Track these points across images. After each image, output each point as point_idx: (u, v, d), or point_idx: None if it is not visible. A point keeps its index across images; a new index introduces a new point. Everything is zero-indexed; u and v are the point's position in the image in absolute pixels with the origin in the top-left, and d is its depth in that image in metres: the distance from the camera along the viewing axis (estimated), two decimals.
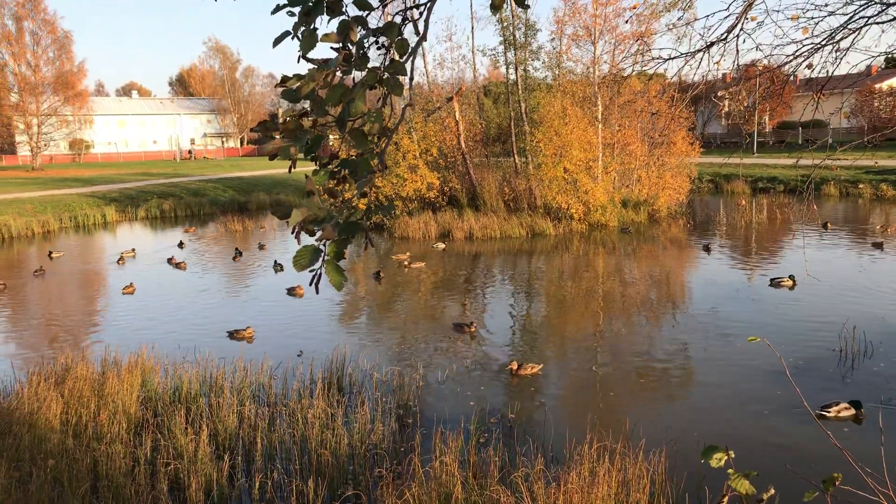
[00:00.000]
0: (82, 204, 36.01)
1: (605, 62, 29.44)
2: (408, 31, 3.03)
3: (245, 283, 19.12)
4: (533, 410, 9.53)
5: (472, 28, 44.73)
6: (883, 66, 61.96)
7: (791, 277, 16.13)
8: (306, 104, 2.71)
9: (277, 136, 2.62)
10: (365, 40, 2.71)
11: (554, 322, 14.36)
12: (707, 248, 21.43)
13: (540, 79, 32.93)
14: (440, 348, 12.49)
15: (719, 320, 13.63)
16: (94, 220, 34.21)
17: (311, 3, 2.66)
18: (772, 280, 16.33)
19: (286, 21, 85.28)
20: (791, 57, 6.36)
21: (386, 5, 3.10)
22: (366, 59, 2.71)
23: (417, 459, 7.08)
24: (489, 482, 6.66)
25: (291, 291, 16.86)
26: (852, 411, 8.92)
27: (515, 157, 30.94)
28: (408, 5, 2.93)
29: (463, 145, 29.42)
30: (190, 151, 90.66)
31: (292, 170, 2.88)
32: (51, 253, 23.64)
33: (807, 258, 18.72)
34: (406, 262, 20.10)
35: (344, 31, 2.58)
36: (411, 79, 2.93)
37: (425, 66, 32.24)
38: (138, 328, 14.38)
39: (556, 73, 32.04)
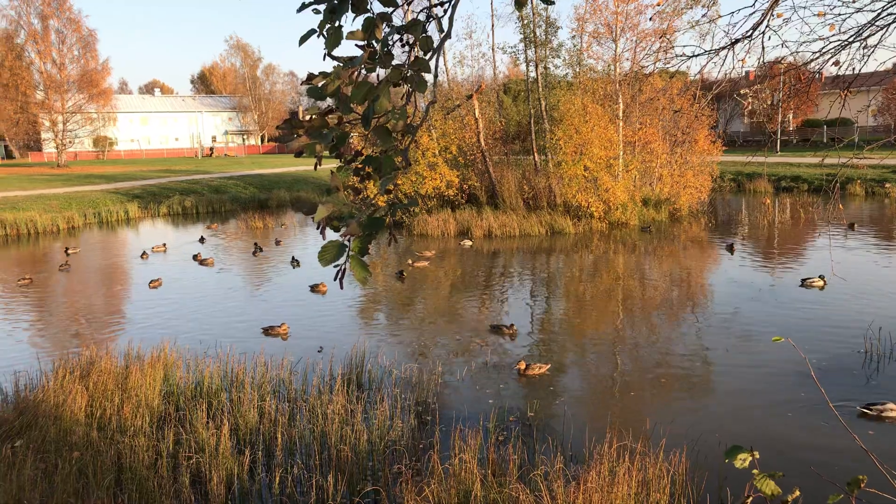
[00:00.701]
0: (106, 200, 36.49)
1: (626, 59, 29.26)
2: (431, 29, 3.04)
3: (266, 280, 19.26)
4: (552, 409, 9.51)
5: (493, 26, 44.68)
6: None
7: (821, 277, 15.90)
8: (329, 102, 2.73)
9: (302, 134, 2.64)
10: (389, 38, 2.72)
11: (573, 321, 14.30)
12: (731, 248, 21.16)
13: (560, 76, 32.80)
14: (458, 346, 12.50)
15: (741, 320, 13.50)
16: (118, 216, 34.64)
17: (336, 1, 2.68)
18: (802, 280, 16.07)
19: (307, 19, 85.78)
20: (817, 54, 6.27)
21: (410, 2, 3.11)
22: (390, 56, 2.72)
23: (436, 456, 7.09)
24: (508, 480, 6.66)
25: (314, 288, 16.95)
26: None
27: (535, 154, 30.84)
28: (432, 3, 2.94)
29: (482, 143, 29.38)
30: (211, 149, 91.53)
31: (318, 167, 2.89)
32: (67, 249, 23.98)
33: (833, 259, 18.47)
34: (410, 262, 20.07)
35: (369, 28, 2.59)
36: (436, 76, 2.93)
37: (445, 64, 32.24)
38: (160, 323, 14.54)
39: (577, 70, 31.89)
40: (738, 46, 5.78)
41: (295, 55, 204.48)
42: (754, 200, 35.73)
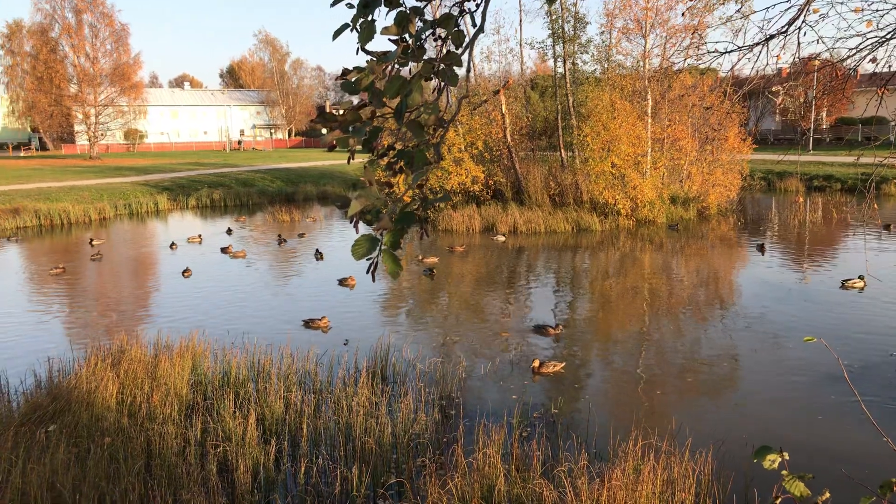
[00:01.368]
0: (136, 192, 37.08)
1: (655, 56, 28.94)
2: (462, 23, 3.04)
3: (294, 272, 19.44)
4: (576, 406, 9.48)
5: (521, 21, 44.48)
6: None
7: (861, 278, 15.59)
8: (354, 97, 2.76)
9: (336, 128, 2.66)
10: (422, 32, 2.73)
11: (599, 319, 14.23)
12: (761, 249, 20.78)
13: (588, 72, 32.55)
14: (482, 342, 12.51)
15: (770, 321, 13.32)
16: (147, 207, 35.19)
17: None
18: (843, 282, 15.74)
19: (336, 14, 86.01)
20: (854, 50, 6.16)
21: None
22: (422, 50, 2.73)
23: (460, 451, 7.12)
24: (532, 476, 6.66)
25: (343, 282, 17.06)
26: None
27: (562, 151, 30.68)
28: None
29: (509, 139, 29.30)
30: (239, 142, 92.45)
31: (351, 161, 2.92)
32: (92, 240, 24.41)
33: (867, 260, 18.11)
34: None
35: (403, 22, 2.61)
36: (468, 70, 2.95)
37: (472, 59, 32.20)
38: (189, 313, 14.76)
39: (605, 66, 31.62)
40: (772, 42, 5.70)
41: (323, 50, 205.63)
42: (785, 199, 35.17)
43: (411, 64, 2.77)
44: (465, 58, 2.86)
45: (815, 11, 5.50)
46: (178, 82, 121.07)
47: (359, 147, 2.72)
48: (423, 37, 2.75)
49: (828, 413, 9.03)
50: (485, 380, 10.47)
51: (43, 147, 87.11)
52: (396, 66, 2.70)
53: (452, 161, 28.57)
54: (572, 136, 29.75)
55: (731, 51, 5.83)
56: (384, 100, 2.67)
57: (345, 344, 12.21)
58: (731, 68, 7.12)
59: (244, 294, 16.64)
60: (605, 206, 25.92)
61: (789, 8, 5.33)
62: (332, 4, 2.83)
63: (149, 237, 27.87)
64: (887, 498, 2.89)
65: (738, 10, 6.84)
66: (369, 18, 2.69)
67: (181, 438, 7.88)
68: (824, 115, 60.50)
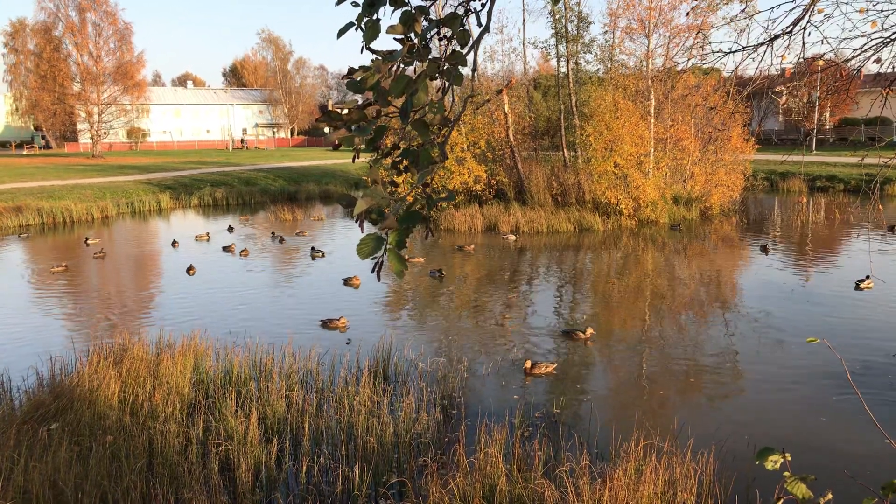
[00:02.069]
0: (138, 190, 37.12)
1: (659, 56, 28.92)
2: (468, 23, 3.03)
3: (296, 271, 19.44)
4: (578, 406, 9.48)
5: (524, 20, 44.47)
6: None
7: (868, 277, 15.51)
8: (357, 96, 2.76)
9: (341, 126, 2.66)
10: (427, 31, 2.73)
11: (600, 319, 14.22)
12: (765, 249, 20.65)
13: (591, 72, 32.53)
14: (484, 342, 12.51)
15: (773, 321, 13.29)
16: (150, 206, 35.21)
17: None
18: (857, 283, 15.59)
19: (339, 13, 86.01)
20: (858, 51, 6.14)
21: None
22: (427, 49, 2.73)
23: (462, 450, 7.12)
24: (534, 476, 6.66)
25: (347, 282, 17.05)
26: None
27: (564, 150, 30.66)
28: None
29: (511, 138, 29.28)
30: (242, 141, 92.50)
31: (355, 160, 2.92)
32: (87, 239, 24.40)
33: (871, 261, 18.07)
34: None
35: (409, 22, 2.61)
36: (474, 70, 2.94)
37: (477, 59, 32.18)
38: (191, 311, 14.77)
39: (608, 66, 31.61)
40: (777, 42, 5.69)
41: (325, 49, 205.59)
42: (788, 200, 35.11)
43: (415, 63, 2.77)
44: (470, 57, 2.86)
45: (819, 11, 5.49)
46: (181, 81, 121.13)
47: (363, 146, 2.71)
48: (429, 36, 2.75)
49: (830, 414, 9.02)
50: (486, 379, 10.47)
51: (46, 145, 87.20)
52: (402, 65, 2.69)
53: (455, 160, 28.56)
54: (575, 136, 29.75)
55: (736, 51, 5.82)
56: (389, 99, 2.67)
57: (347, 343, 12.21)
58: (735, 68, 7.10)
59: (246, 293, 16.65)
60: (608, 206, 25.90)
61: (794, 8, 5.32)
62: (338, 3, 2.82)
63: (151, 236, 27.90)
64: (889, 499, 2.89)
65: (742, 11, 6.84)
66: (374, 17, 2.69)
67: (183, 437, 7.89)
68: (828, 115, 60.40)
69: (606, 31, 31.78)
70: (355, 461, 7.47)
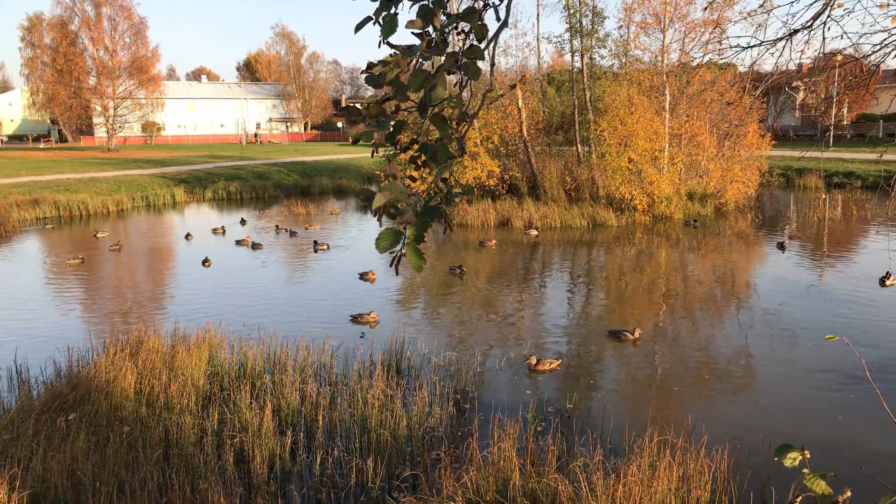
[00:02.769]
0: (153, 184, 37.38)
1: (674, 51, 28.71)
2: (486, 17, 3.03)
3: (311, 265, 19.51)
4: (591, 402, 9.47)
5: (538, 15, 44.28)
6: None
7: (888, 275, 15.34)
8: (368, 91, 2.76)
9: (360, 121, 2.67)
10: (446, 26, 2.73)
11: (614, 314, 14.17)
12: (781, 247, 20.32)
13: (606, 67, 32.35)
14: (497, 337, 12.51)
15: (788, 318, 13.20)
16: (164, 199, 35.46)
17: None
18: (881, 280, 15.42)
19: (354, 7, 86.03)
20: (878, 46, 6.07)
21: None
22: (445, 44, 2.73)
23: (475, 444, 7.12)
24: (547, 470, 6.66)
25: (363, 276, 17.08)
26: None
27: (578, 145, 30.54)
28: None
29: (525, 133, 29.19)
30: (256, 135, 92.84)
31: (374, 154, 2.93)
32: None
33: (890, 257, 17.88)
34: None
35: (427, 16, 2.61)
36: (492, 64, 2.94)
37: (495, 54, 32.08)
38: (205, 304, 14.88)
39: (623, 61, 31.42)
40: (796, 37, 5.63)
41: (339, 44, 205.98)
42: (804, 196, 34.79)
43: (432, 58, 2.77)
44: (487, 52, 2.86)
45: (839, 6, 5.43)
46: (196, 75, 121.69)
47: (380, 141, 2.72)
48: (447, 30, 2.75)
49: (848, 412, 8.95)
50: (499, 374, 10.48)
51: (62, 139, 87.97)
52: (420, 59, 2.70)
53: (468, 156, 28.52)
54: (589, 131, 29.61)
55: (754, 45, 5.77)
56: (407, 93, 2.68)
57: (361, 337, 12.26)
58: (753, 64, 7.04)
59: (261, 286, 16.74)
60: (622, 201, 25.78)
61: (814, 2, 5.27)
62: None
63: (166, 229, 28.11)
64: None
65: (760, 5, 6.77)
66: (392, 12, 2.70)
67: (198, 428, 7.96)
68: (845, 111, 59.73)
69: (621, 26, 31.59)
70: (369, 454, 7.51)
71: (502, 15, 2.90)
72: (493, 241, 21.64)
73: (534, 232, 23.60)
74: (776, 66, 6.81)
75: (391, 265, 2.39)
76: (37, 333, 12.99)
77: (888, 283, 15.26)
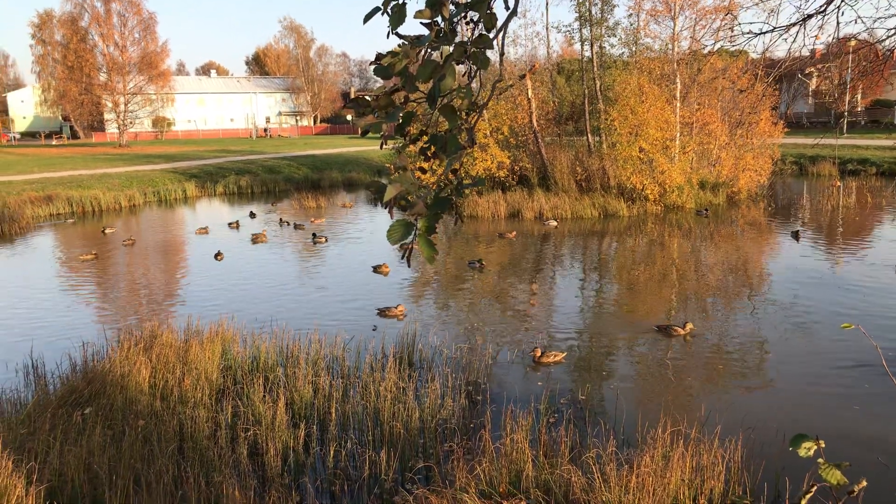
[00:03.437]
0: (164, 179, 37.56)
1: (685, 38, 28.45)
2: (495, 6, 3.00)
3: (324, 258, 19.55)
4: (603, 393, 9.44)
5: (547, 4, 44.01)
6: None
7: None
8: (377, 84, 2.75)
9: (369, 112, 2.66)
10: (455, 16, 2.70)
11: (625, 305, 14.12)
12: (796, 236, 20.03)
13: (616, 56, 32.12)
14: (508, 329, 12.50)
15: (802, 307, 13.10)
16: (176, 194, 35.63)
17: None
18: None
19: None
20: (893, 31, 5.98)
21: None
22: (454, 33, 2.70)
23: (488, 436, 7.13)
24: (560, 461, 6.66)
25: (377, 269, 17.09)
26: None
27: (589, 135, 30.37)
28: None
29: (535, 124, 29.06)
30: (265, 129, 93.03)
31: (384, 146, 2.92)
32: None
33: None
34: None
35: (436, 6, 2.59)
36: (502, 53, 2.91)
37: (504, 43, 31.94)
38: (218, 298, 14.96)
39: (633, 49, 31.18)
40: (810, 22, 5.56)
41: (347, 36, 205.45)
42: (817, 184, 34.46)
43: (441, 48, 2.75)
44: (497, 42, 2.83)
45: None
46: (205, 70, 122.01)
47: (387, 132, 2.70)
48: (456, 20, 2.72)
49: (863, 402, 8.88)
50: (511, 366, 10.47)
51: (74, 135, 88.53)
52: (429, 50, 2.68)
53: (478, 147, 28.43)
54: (599, 121, 29.43)
55: (767, 31, 5.70)
56: (416, 84, 2.66)
57: (373, 330, 12.28)
58: (765, 50, 6.95)
59: (273, 279, 16.80)
60: (633, 191, 25.63)
61: None
62: None
63: (178, 223, 28.24)
64: None
65: None
66: (400, 2, 2.67)
67: (212, 422, 8.02)
68: (859, 97, 59.04)
69: (631, 14, 31.35)
70: (382, 446, 7.53)
71: (511, 4, 2.87)
72: (514, 233, 21.53)
73: (553, 223, 23.52)
74: (789, 53, 6.72)
75: (402, 257, 2.38)
76: (52, 328, 13.11)
77: None
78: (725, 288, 15.18)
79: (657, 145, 25.78)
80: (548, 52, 33.57)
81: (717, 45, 20.76)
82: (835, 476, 3.10)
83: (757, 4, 8.13)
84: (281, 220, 25.87)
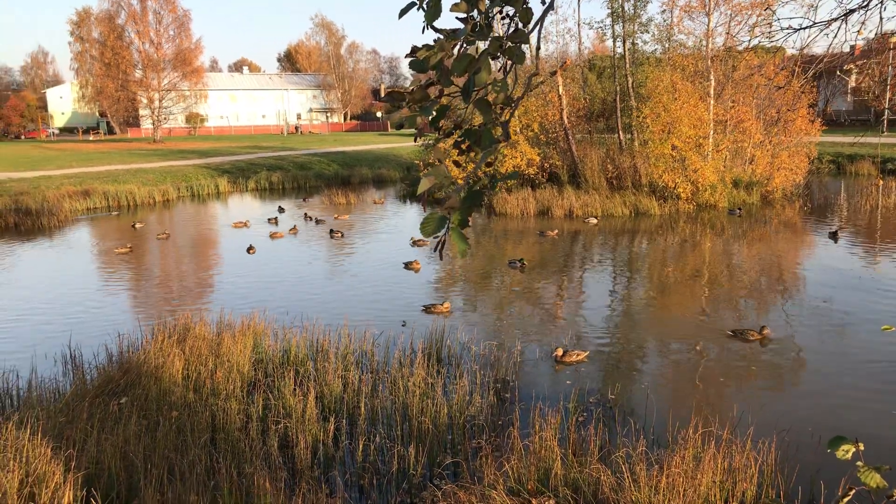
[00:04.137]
0: (198, 175, 38.12)
1: (719, 34, 28.01)
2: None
3: (355, 254, 19.67)
4: (633, 392, 9.36)
5: (579, 0, 43.55)
6: None
7: None
8: (407, 81, 2.76)
9: (404, 106, 2.67)
10: (490, 10, 2.70)
11: (656, 304, 13.97)
12: (834, 236, 19.55)
13: (648, 52, 31.75)
14: (536, 327, 12.45)
15: (839, 309, 12.83)
16: (209, 189, 36.16)
17: None
18: None
19: None
20: None
21: None
22: (489, 28, 2.70)
23: (516, 433, 7.11)
24: (589, 460, 6.61)
25: (408, 266, 17.13)
26: None
27: (620, 133, 30.08)
28: None
29: (566, 120, 28.88)
30: (296, 126, 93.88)
31: (417, 139, 2.92)
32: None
33: None
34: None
35: None
36: (538, 48, 2.91)
37: (541, 38, 31.79)
38: (250, 292, 15.14)
39: (666, 46, 30.80)
40: (851, 18, 5.43)
41: (376, 32, 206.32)
42: (855, 183, 33.67)
43: (479, 42, 2.74)
44: (532, 36, 2.82)
45: None
46: (237, 67, 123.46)
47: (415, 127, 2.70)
48: (492, 14, 2.72)
49: None
50: (539, 364, 10.43)
51: (110, 131, 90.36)
52: (464, 44, 2.68)
53: (507, 144, 28.33)
54: (631, 118, 29.13)
55: (807, 27, 5.59)
56: (452, 78, 2.66)
57: (403, 325, 12.33)
58: (804, 46, 6.81)
59: (304, 274, 16.97)
60: (665, 189, 25.33)
61: None
62: None
63: (210, 218, 28.65)
64: None
65: None
66: None
67: (244, 414, 8.12)
68: None
69: (664, 10, 31.07)
70: (410, 441, 7.56)
71: None
72: (556, 231, 21.40)
73: (593, 220, 23.38)
74: (829, 49, 6.57)
75: (435, 250, 2.38)
76: (89, 320, 13.40)
77: None
78: (759, 288, 14.93)
79: (690, 143, 25.44)
80: (579, 48, 33.37)
81: (754, 42, 20.40)
82: (874, 479, 3.04)
83: (795, 0, 7.98)
84: (306, 215, 26.18)
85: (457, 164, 2.74)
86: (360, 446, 7.47)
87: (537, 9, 3.10)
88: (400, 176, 40.18)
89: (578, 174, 28.16)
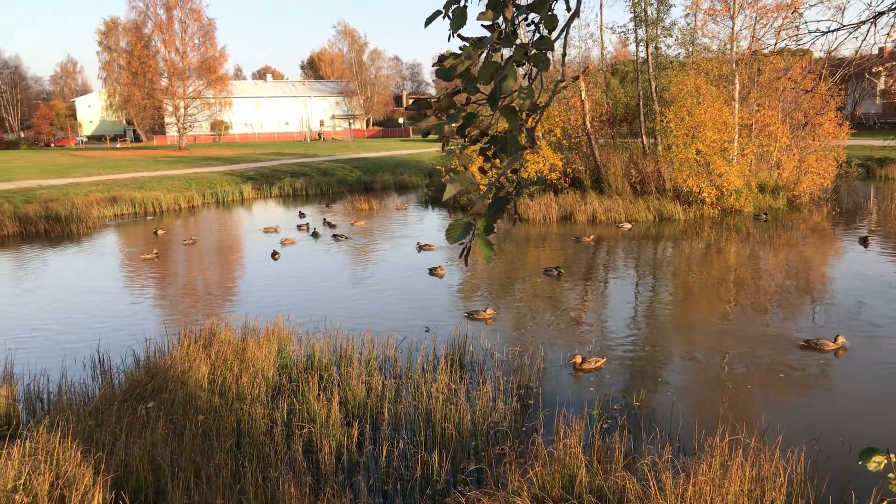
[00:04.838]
0: (222, 181, 38.56)
1: (744, 38, 27.73)
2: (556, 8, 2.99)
3: (379, 260, 19.76)
4: (658, 400, 9.27)
5: (601, 4, 43.48)
6: None
7: None
8: (430, 88, 2.77)
9: (430, 114, 2.69)
10: (516, 17, 2.71)
11: (681, 311, 13.83)
12: (864, 242, 19.21)
13: (672, 56, 31.53)
14: (560, 333, 12.39)
15: (869, 316, 12.60)
16: (233, 196, 36.55)
17: None
18: None
19: (412, 2, 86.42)
20: None
21: None
22: (515, 35, 2.71)
23: (540, 440, 7.08)
24: (614, 468, 6.56)
25: (433, 271, 17.15)
26: None
27: (643, 137, 29.88)
28: None
29: (588, 125, 28.76)
30: (319, 133, 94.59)
31: (444, 147, 2.94)
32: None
33: None
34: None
35: (499, 7, 2.59)
36: (564, 55, 2.90)
37: (566, 44, 31.69)
38: (274, 297, 15.27)
39: (690, 50, 30.55)
40: (881, 20, 5.36)
41: (398, 39, 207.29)
42: (885, 187, 33.07)
43: (504, 49, 2.75)
44: (558, 43, 2.82)
45: None
46: (261, 74, 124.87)
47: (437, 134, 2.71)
48: (517, 22, 2.73)
49: None
50: (563, 371, 10.37)
51: (137, 138, 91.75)
52: (490, 51, 2.69)
53: (529, 150, 28.25)
54: (655, 123, 28.93)
55: (835, 29, 5.53)
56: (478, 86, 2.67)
57: (426, 331, 12.34)
58: (832, 49, 6.73)
59: (329, 280, 17.06)
60: (689, 194, 25.10)
61: None
62: None
63: (235, 224, 28.96)
64: None
65: None
66: (461, 4, 2.69)
67: (268, 419, 8.18)
68: None
69: (688, 14, 30.74)
70: (434, 447, 7.56)
71: (573, 5, 2.86)
72: (592, 237, 21.30)
73: (627, 225, 23.29)
74: (857, 52, 6.49)
75: (461, 256, 2.39)
76: (117, 325, 13.60)
77: None
78: (786, 294, 14.71)
79: (714, 147, 25.18)
80: (601, 53, 33.20)
81: (780, 45, 20.17)
82: None
83: (822, 2, 7.88)
84: (324, 220, 26.40)
85: (482, 170, 2.73)
86: (384, 452, 7.48)
87: (562, 16, 3.10)
88: (423, 182, 40.32)
89: (601, 179, 28.01)
